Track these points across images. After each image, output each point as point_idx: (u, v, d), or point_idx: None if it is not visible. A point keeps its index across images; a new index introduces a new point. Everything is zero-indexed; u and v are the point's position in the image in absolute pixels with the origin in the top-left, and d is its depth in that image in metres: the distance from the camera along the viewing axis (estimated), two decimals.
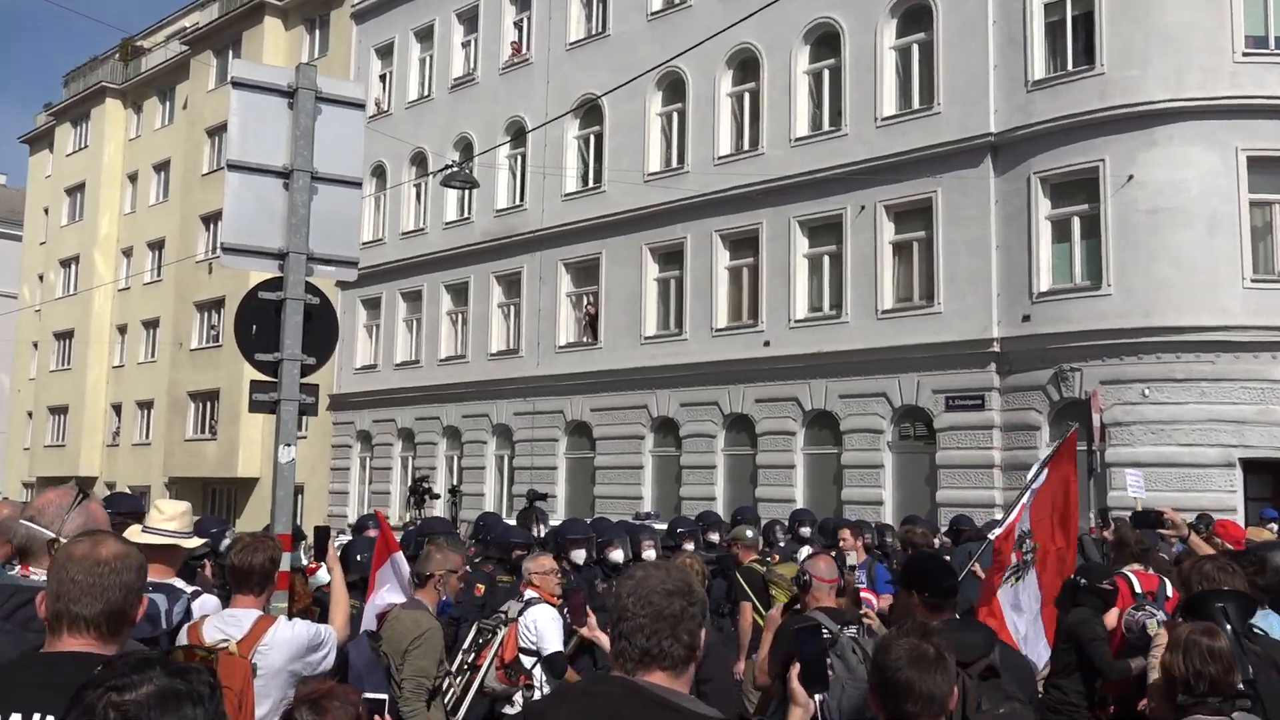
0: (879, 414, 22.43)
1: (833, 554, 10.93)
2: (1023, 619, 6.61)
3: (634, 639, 2.57)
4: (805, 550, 11.53)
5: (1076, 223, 20.19)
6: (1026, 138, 20.62)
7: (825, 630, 5.96)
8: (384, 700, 3.27)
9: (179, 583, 4.36)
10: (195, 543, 4.70)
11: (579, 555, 9.76)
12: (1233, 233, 18.93)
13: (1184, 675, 4.08)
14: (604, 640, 6.08)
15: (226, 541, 9.22)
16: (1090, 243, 19.97)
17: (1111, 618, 6.51)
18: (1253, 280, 18.93)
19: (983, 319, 21.00)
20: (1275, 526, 14.94)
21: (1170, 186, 19.15)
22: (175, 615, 4.06)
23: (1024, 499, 6.78)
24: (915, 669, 2.98)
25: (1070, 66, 20.46)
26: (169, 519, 4.65)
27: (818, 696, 3.39)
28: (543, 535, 12.11)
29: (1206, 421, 18.56)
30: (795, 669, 3.40)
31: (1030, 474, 7.23)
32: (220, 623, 4.56)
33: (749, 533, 10.92)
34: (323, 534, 6.50)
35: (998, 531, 6.77)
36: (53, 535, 3.24)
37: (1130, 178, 19.37)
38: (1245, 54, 19.40)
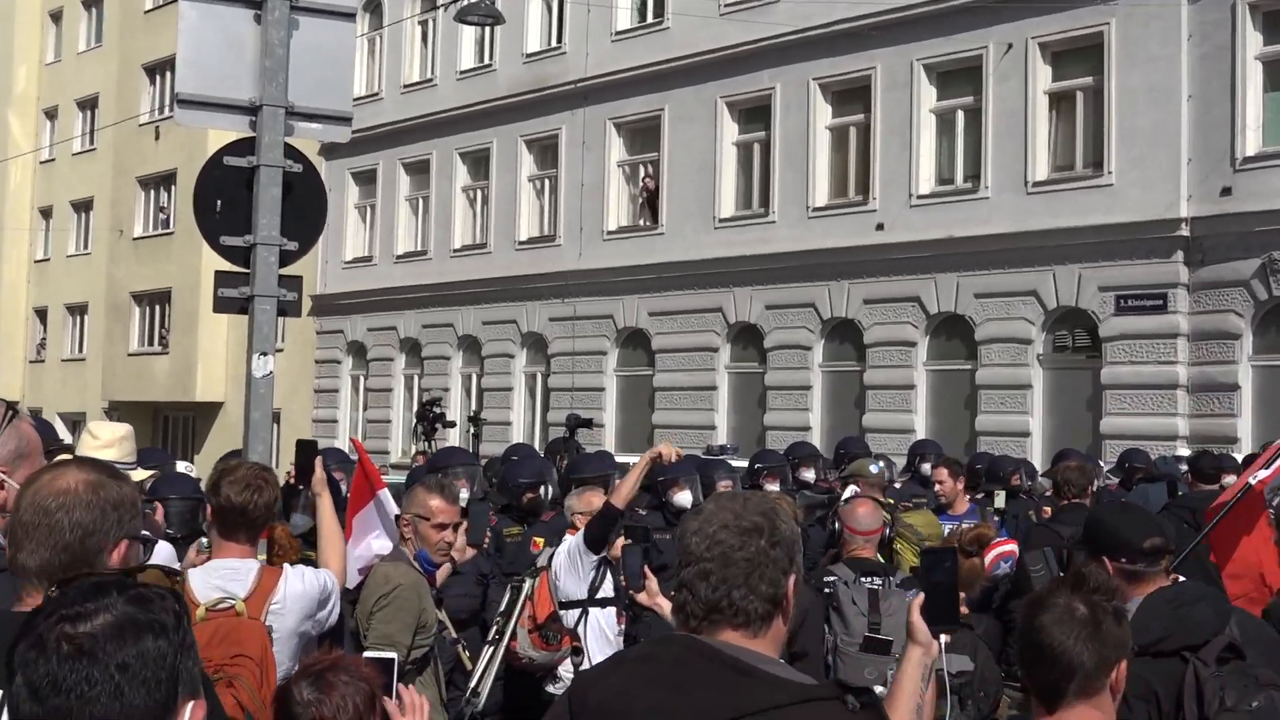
0: (1027, 318, 22.32)
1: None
2: None
3: (697, 589, 2.59)
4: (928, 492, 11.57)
5: None
6: None
7: (829, 581, 6.04)
8: (392, 660, 3.33)
9: None
10: (140, 475, 4.67)
11: (462, 492, 9.70)
12: None
13: None
14: (667, 609, 6.09)
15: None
16: None
17: None
18: None
19: (1168, 193, 20.79)
20: None
21: None
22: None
23: None
24: (1060, 629, 3.01)
25: None
26: (105, 445, 4.66)
27: (944, 637, 3.35)
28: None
29: None
30: (918, 599, 3.39)
31: None
32: (214, 578, 4.60)
33: (872, 467, 10.84)
34: (309, 450, 6.28)
35: (1264, 474, 6.80)
36: None
37: None
38: None
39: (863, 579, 5.93)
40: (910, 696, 3.25)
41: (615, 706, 2.49)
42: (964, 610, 3.80)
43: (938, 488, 10.81)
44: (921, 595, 3.40)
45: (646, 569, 6.83)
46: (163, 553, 5.01)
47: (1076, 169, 22.04)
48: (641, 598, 6.39)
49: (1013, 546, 10.38)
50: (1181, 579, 4.42)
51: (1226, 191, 20.20)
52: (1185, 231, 20.60)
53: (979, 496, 12.55)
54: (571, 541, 7.06)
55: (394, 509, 6.79)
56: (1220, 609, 4.09)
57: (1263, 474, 6.85)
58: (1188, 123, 20.64)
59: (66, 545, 2.55)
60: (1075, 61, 22.21)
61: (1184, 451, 18.24)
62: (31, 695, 1.80)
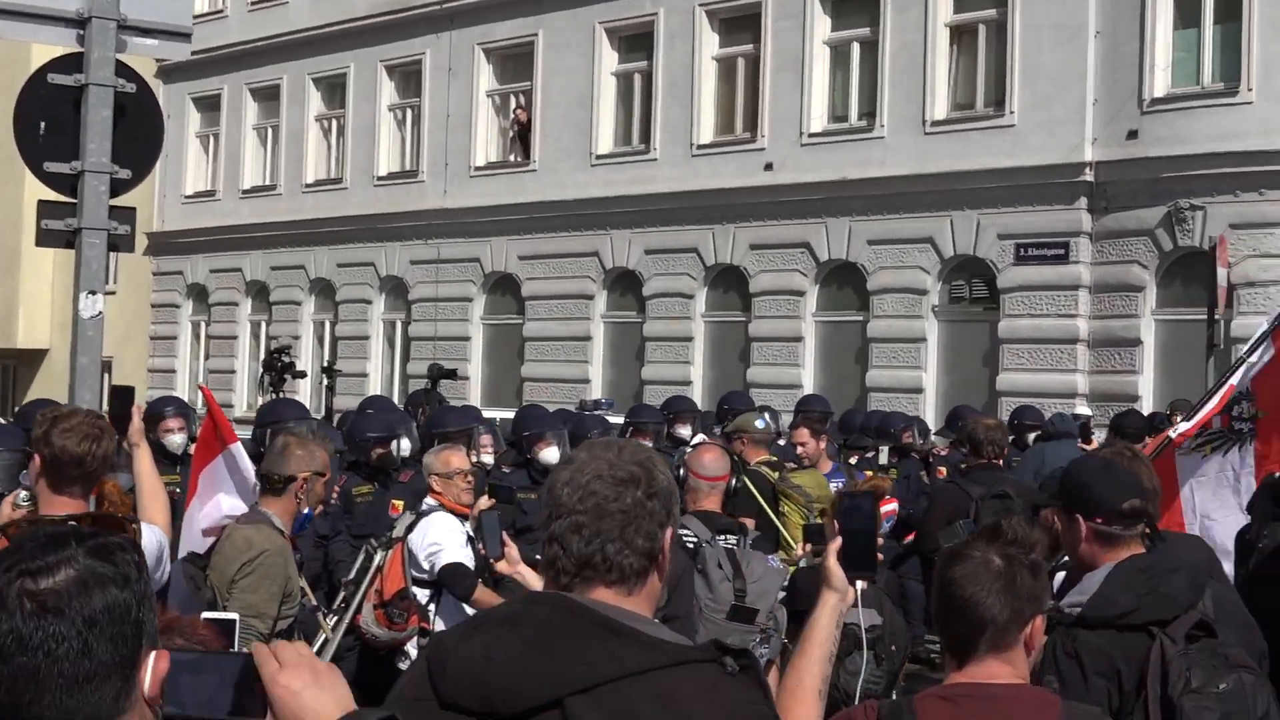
0: (922, 267, 22.65)
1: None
2: (1206, 494, 6.90)
3: (569, 543, 2.57)
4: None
5: (1209, 0, 20.22)
6: None
7: (689, 538, 6.13)
8: (233, 621, 3.28)
9: None
10: None
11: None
12: None
13: None
14: (530, 578, 6.02)
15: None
16: (1227, 29, 20.10)
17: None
18: None
19: (1072, 136, 21.12)
20: None
21: None
22: None
23: (1233, 379, 7.09)
24: (973, 583, 3.08)
25: None
26: None
27: (859, 584, 3.46)
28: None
29: None
30: (835, 544, 3.43)
31: (1248, 347, 7.50)
32: None
33: (758, 422, 10.79)
34: (125, 396, 6.10)
35: (1184, 427, 7.04)
36: None
37: None
38: None
39: (718, 538, 5.95)
40: (824, 644, 3.32)
41: (478, 672, 2.45)
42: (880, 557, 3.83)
43: (799, 449, 10.86)
44: (839, 540, 3.43)
45: (505, 535, 6.77)
46: None
47: (977, 108, 22.34)
48: (501, 566, 6.28)
49: (894, 506, 10.55)
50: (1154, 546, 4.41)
51: (1133, 135, 20.56)
52: (1089, 177, 20.98)
53: (868, 455, 12.78)
54: (440, 527, 6.99)
55: (248, 465, 6.71)
56: (1196, 582, 4.08)
57: (1184, 427, 7.02)
58: (1094, 61, 20.97)
59: None
60: None
61: (1083, 409, 18.67)
62: None
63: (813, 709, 3.24)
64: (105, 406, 7.51)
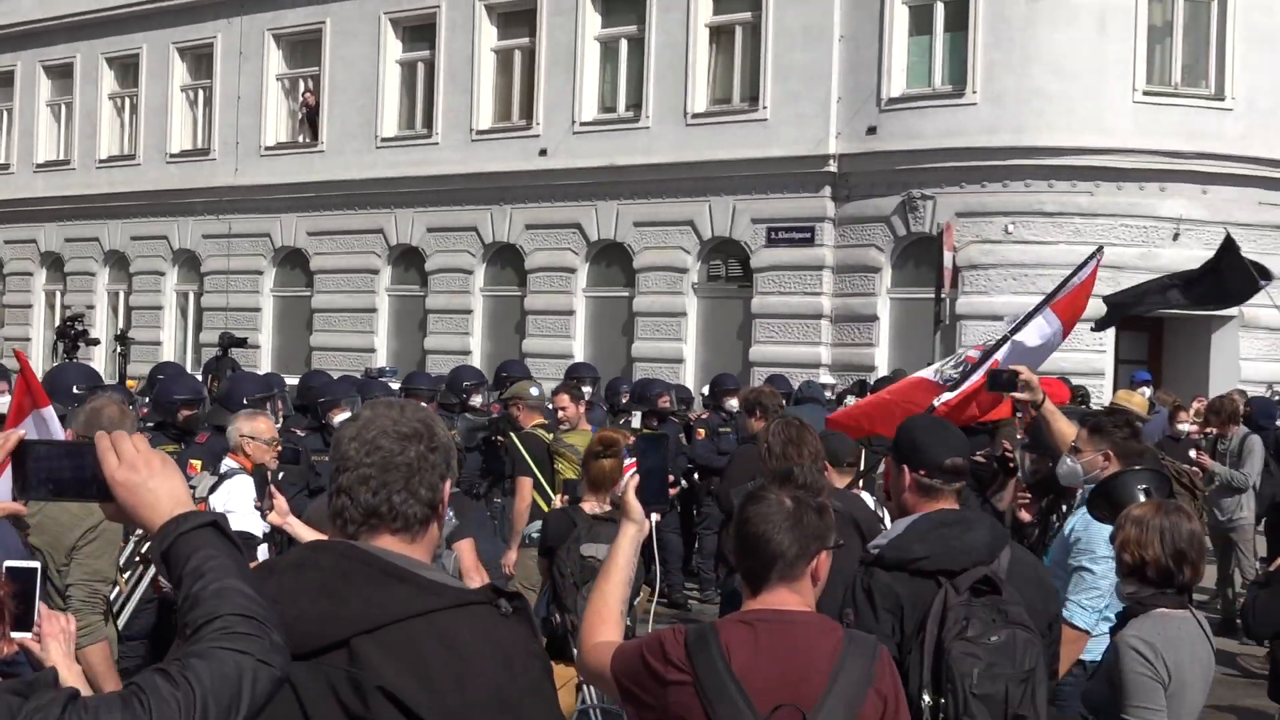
0: (683, 247, 22.79)
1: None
2: None
3: (357, 494, 2.55)
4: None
5: (940, 11, 20.67)
6: None
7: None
8: (34, 570, 3.12)
9: None
10: None
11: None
12: (1126, 34, 19.73)
13: (1158, 560, 4.31)
14: (301, 531, 5.91)
15: None
16: (955, 36, 20.51)
17: None
18: (1144, 93, 19.85)
19: (818, 129, 21.38)
20: (1148, 391, 15.98)
21: None
22: None
23: (998, 354, 7.35)
24: (765, 520, 3.15)
25: None
26: None
27: (654, 515, 3.59)
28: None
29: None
30: (633, 480, 3.54)
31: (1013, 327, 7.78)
32: None
33: (533, 390, 10.93)
34: None
35: (948, 397, 7.26)
36: None
37: None
38: None
39: None
40: (625, 569, 3.47)
41: (286, 612, 2.33)
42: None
43: (560, 413, 10.92)
44: (636, 477, 3.54)
45: (274, 489, 6.68)
46: None
47: (734, 103, 22.52)
48: (272, 518, 6.21)
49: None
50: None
51: (872, 130, 20.91)
52: (833, 168, 21.30)
53: (624, 419, 12.84)
54: (239, 490, 6.85)
55: (59, 429, 6.39)
56: (994, 541, 4.04)
57: (947, 396, 7.18)
58: (839, 62, 21.27)
59: None
60: None
61: (826, 378, 18.99)
62: None
63: (616, 628, 3.40)
64: None
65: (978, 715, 3.62)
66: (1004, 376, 7.94)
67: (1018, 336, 7.55)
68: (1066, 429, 5.98)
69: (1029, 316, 7.76)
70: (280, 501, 6.15)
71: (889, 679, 3.17)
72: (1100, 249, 8.57)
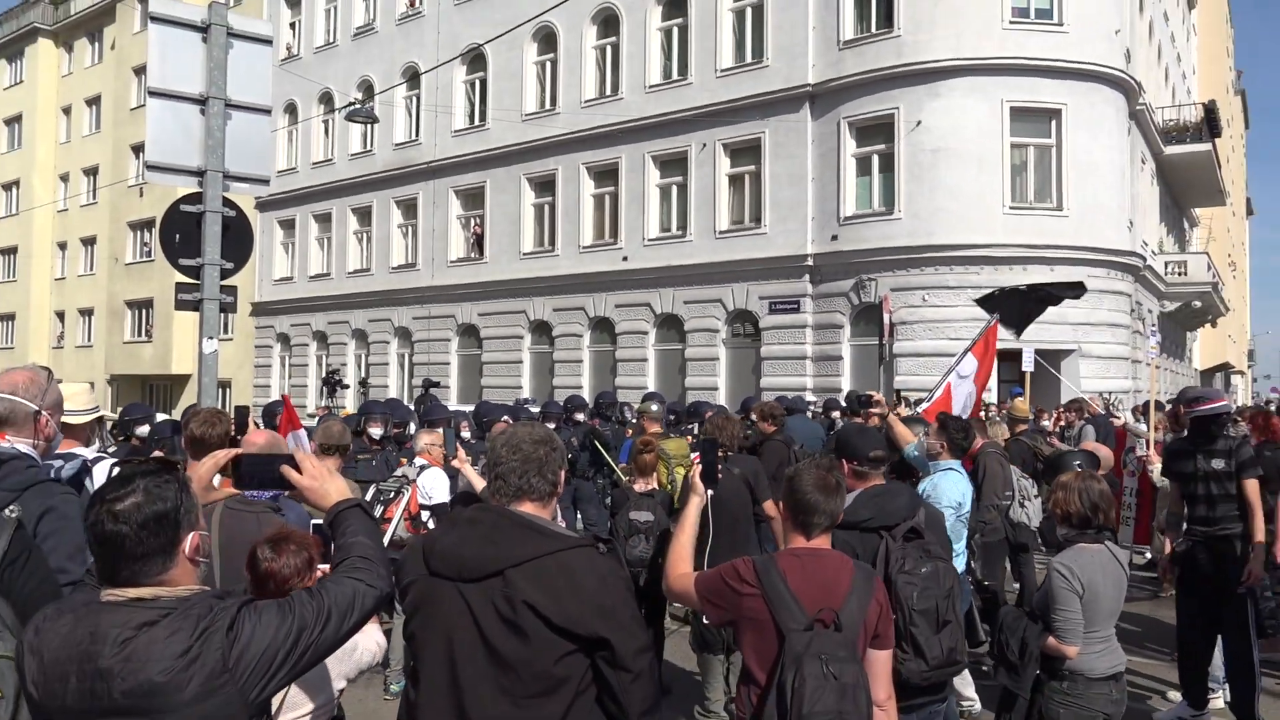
0: (716, 317, 22.81)
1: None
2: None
3: (509, 478, 2.60)
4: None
5: (876, 160, 20.59)
6: (837, 89, 20.87)
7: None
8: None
9: (82, 450, 4.00)
10: (85, 418, 4.21)
11: (376, 430, 9.44)
12: (996, 169, 19.61)
13: (1079, 510, 4.20)
14: (471, 474, 6.03)
15: (145, 428, 8.94)
16: (886, 176, 20.43)
17: None
18: (1010, 207, 19.73)
19: (799, 238, 21.40)
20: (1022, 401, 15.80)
21: (950, 131, 19.70)
22: (65, 471, 3.70)
23: (948, 377, 7.23)
24: (821, 492, 3.11)
25: (874, 29, 20.71)
26: (68, 399, 4.28)
27: (709, 491, 3.55)
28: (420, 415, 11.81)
29: (970, 320, 19.23)
30: (697, 469, 3.53)
31: (956, 359, 7.64)
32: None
33: (654, 406, 10.60)
34: (242, 412, 5.98)
35: (925, 405, 7.12)
36: (35, 407, 3.12)
37: (919, 123, 19.85)
38: (1011, 22, 19.93)
39: None
40: (692, 527, 3.38)
41: (453, 552, 2.49)
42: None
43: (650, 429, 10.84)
44: (698, 466, 3.53)
45: (458, 445, 6.78)
46: (105, 464, 4.50)
47: (745, 222, 22.50)
48: (455, 463, 6.33)
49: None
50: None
51: (834, 237, 20.89)
52: (810, 262, 21.25)
53: (682, 428, 12.86)
54: (435, 475, 6.81)
55: (306, 444, 6.56)
56: (913, 503, 3.97)
57: (923, 407, 7.00)
58: (811, 195, 21.30)
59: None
60: (744, 155, 22.56)
61: (810, 397, 18.95)
62: (94, 541, 2.00)
63: (688, 565, 3.28)
64: (228, 407, 7.38)
65: (919, 623, 3.63)
66: (860, 397, 7.91)
67: (956, 371, 7.36)
68: (904, 432, 5.79)
69: (960, 359, 7.51)
70: (462, 452, 6.31)
71: (881, 593, 3.14)
72: (995, 315, 8.42)
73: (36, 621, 2.00)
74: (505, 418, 10.56)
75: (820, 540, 3.13)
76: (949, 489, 5.35)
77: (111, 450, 6.68)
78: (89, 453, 3.96)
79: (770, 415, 9.45)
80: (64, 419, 4.08)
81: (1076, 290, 9.04)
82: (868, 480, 4.06)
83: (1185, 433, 6.55)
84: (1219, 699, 6.54)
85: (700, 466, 3.56)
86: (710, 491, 3.56)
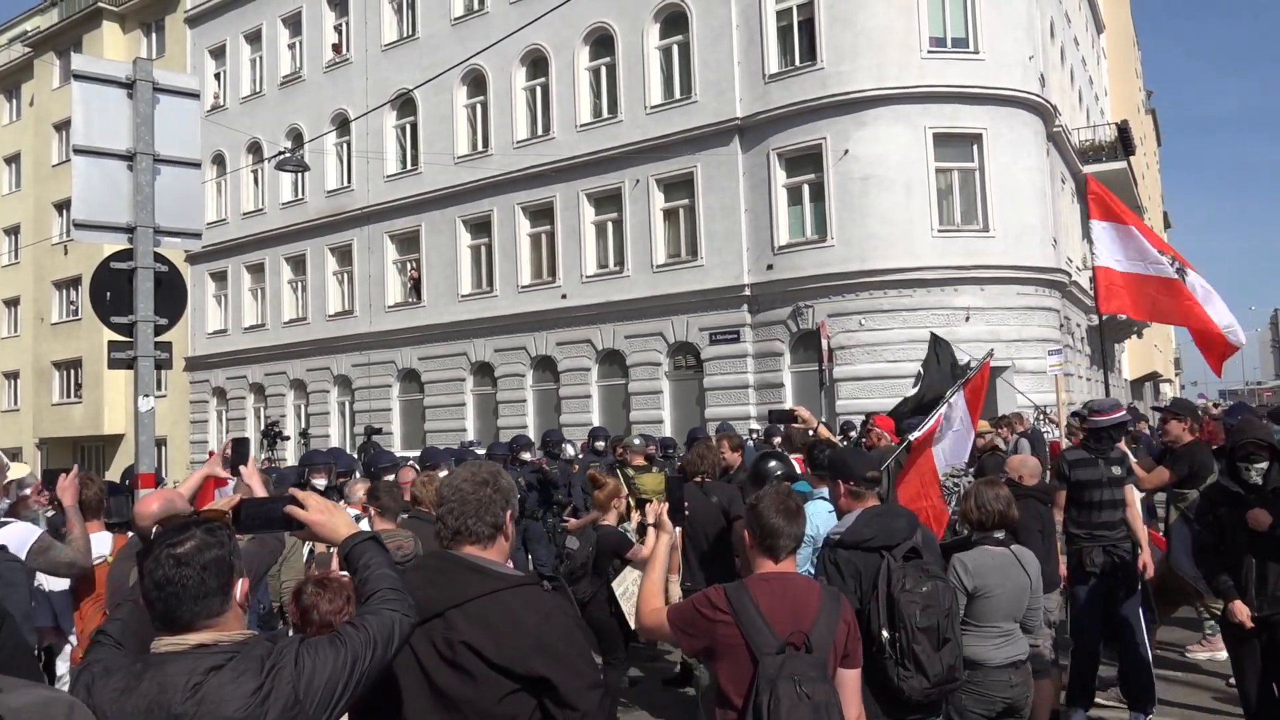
0: (657, 350, 22.89)
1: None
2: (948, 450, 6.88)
3: (446, 520, 2.60)
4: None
5: (806, 189, 20.93)
6: (765, 121, 21.22)
7: None
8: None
9: None
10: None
11: (320, 481, 9.14)
12: (923, 194, 20.05)
13: (977, 516, 4.46)
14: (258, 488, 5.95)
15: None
16: (817, 205, 20.75)
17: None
18: (938, 230, 20.17)
19: (736, 269, 21.60)
20: None
21: (876, 158, 20.12)
22: None
23: (940, 409, 6.95)
24: (783, 516, 3.19)
25: (798, 62, 21.14)
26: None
27: (677, 529, 3.61)
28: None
29: (907, 343, 19.66)
30: (664, 507, 3.59)
31: (949, 392, 7.26)
32: (96, 544, 4.57)
33: (636, 440, 10.78)
34: (243, 444, 5.64)
35: (917, 434, 6.87)
36: None
37: (846, 152, 20.26)
38: (929, 51, 20.50)
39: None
40: (662, 566, 3.43)
41: None
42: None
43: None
44: (665, 504, 3.59)
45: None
46: (12, 532, 4.43)
47: (681, 255, 22.64)
48: (243, 473, 6.02)
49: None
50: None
51: (770, 267, 21.12)
52: (748, 292, 21.45)
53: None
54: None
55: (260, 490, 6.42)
56: (911, 523, 4.01)
57: (917, 433, 6.99)
58: (745, 226, 21.54)
59: None
60: (677, 190, 22.77)
61: (755, 425, 19.06)
62: (154, 587, 2.09)
63: (659, 600, 3.33)
64: (166, 469, 7.18)
65: (921, 641, 3.67)
66: (784, 413, 7.89)
67: (945, 416, 6.98)
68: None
69: (950, 397, 7.13)
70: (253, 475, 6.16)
71: (849, 613, 3.19)
72: (991, 352, 7.99)
73: (84, 681, 2.12)
74: (446, 461, 10.43)
75: (787, 563, 3.19)
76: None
77: (49, 515, 6.49)
78: None
79: (739, 446, 9.47)
80: None
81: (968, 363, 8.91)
82: (864, 500, 4.12)
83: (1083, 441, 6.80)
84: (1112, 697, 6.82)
85: (667, 503, 3.61)
86: (678, 530, 3.63)
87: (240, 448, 4.31)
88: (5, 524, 3.89)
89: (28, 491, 5.85)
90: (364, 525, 6.55)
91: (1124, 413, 6.72)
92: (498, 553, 2.61)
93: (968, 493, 4.58)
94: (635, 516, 7.18)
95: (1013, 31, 21.20)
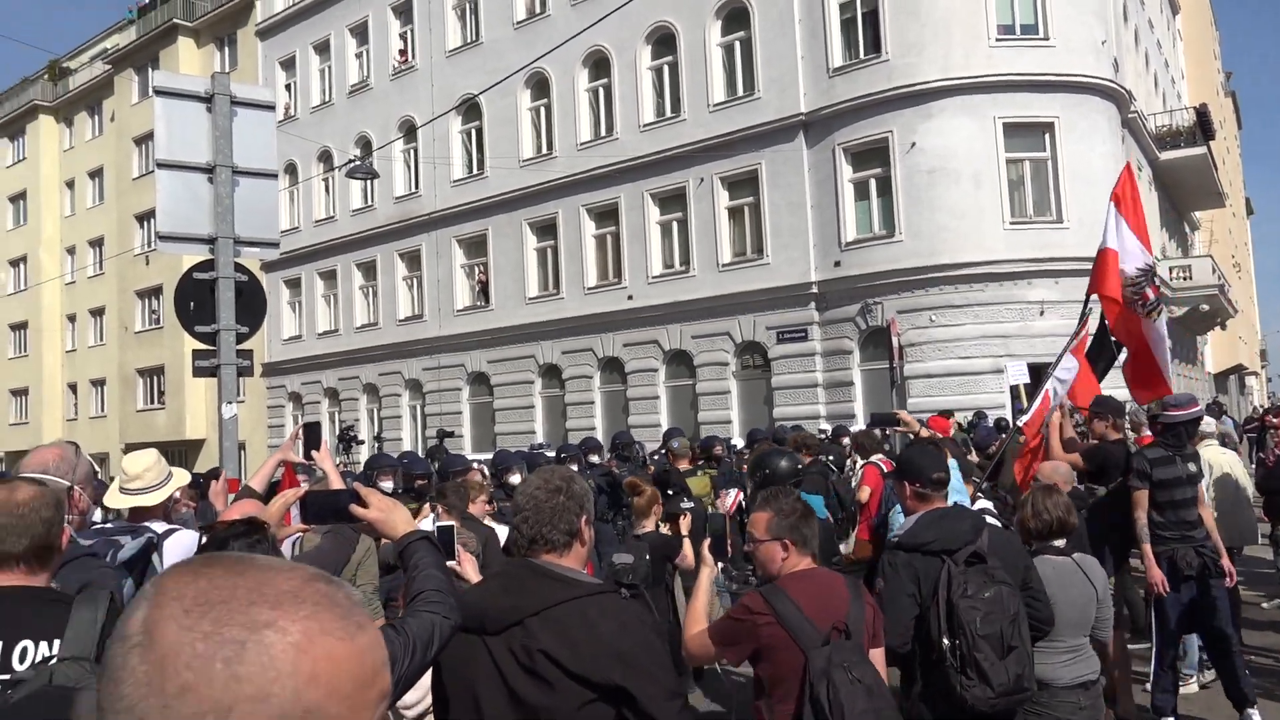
0: (724, 350, 22.80)
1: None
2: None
3: (522, 529, 2.59)
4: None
5: (873, 184, 20.69)
6: (830, 116, 21.03)
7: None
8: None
9: (156, 524, 3.78)
10: (162, 496, 3.96)
11: (386, 484, 9.01)
12: (994, 186, 19.69)
13: (1035, 525, 4.39)
14: (468, 571, 5.84)
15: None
16: (884, 200, 20.52)
17: (864, 493, 7.45)
18: (1010, 223, 19.78)
19: (802, 266, 21.44)
20: None
21: (944, 150, 19.81)
22: (123, 554, 3.43)
23: (1046, 385, 6.96)
24: (803, 518, 3.28)
25: (862, 55, 20.91)
26: (133, 479, 3.96)
27: (719, 564, 3.71)
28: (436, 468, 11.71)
29: (979, 338, 19.39)
30: (708, 542, 3.64)
31: (1053, 363, 7.19)
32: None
33: (675, 443, 10.77)
34: (314, 428, 5.29)
35: (1026, 418, 6.93)
36: (69, 484, 3.10)
37: (913, 145, 19.98)
38: (998, 39, 20.12)
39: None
40: (705, 596, 3.50)
41: (476, 606, 2.51)
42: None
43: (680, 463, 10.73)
44: (710, 539, 3.70)
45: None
46: (183, 539, 4.07)
47: (747, 254, 22.55)
48: (451, 564, 6.12)
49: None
50: (955, 503, 4.22)
51: (838, 264, 20.93)
52: (815, 290, 21.28)
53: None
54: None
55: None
56: (975, 526, 3.83)
57: (1026, 417, 6.86)
58: (812, 223, 21.39)
59: (38, 535, 2.34)
60: (741, 188, 22.69)
61: (825, 425, 18.88)
62: None
63: (702, 624, 3.38)
64: (245, 472, 7.24)
65: (983, 649, 3.55)
66: (886, 416, 7.85)
67: (1055, 375, 7.01)
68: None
69: (1058, 361, 7.09)
70: (462, 553, 6.19)
71: (868, 596, 3.28)
72: (1089, 304, 7.50)
73: None
74: (517, 464, 10.49)
75: (809, 560, 3.27)
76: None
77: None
78: (159, 526, 3.79)
79: (805, 445, 9.47)
80: (138, 501, 3.96)
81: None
82: (930, 502, 4.00)
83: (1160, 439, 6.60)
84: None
85: (710, 539, 3.71)
86: (720, 564, 3.68)
87: (312, 432, 4.30)
88: (173, 531, 3.86)
89: (176, 494, 5.97)
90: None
91: (1199, 408, 6.49)
92: (575, 559, 2.60)
93: (1023, 500, 4.45)
94: (665, 527, 7.04)
95: (1084, 16, 20.69)
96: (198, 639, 0.69)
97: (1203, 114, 30.15)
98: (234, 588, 0.72)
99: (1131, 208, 7.52)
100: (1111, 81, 21.10)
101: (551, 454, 14.07)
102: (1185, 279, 29.01)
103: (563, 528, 2.58)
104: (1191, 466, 6.29)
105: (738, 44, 22.85)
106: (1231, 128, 63.31)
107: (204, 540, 2.22)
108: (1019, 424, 6.96)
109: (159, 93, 6.35)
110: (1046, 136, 20.13)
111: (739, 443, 17.99)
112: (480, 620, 2.49)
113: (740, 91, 22.65)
